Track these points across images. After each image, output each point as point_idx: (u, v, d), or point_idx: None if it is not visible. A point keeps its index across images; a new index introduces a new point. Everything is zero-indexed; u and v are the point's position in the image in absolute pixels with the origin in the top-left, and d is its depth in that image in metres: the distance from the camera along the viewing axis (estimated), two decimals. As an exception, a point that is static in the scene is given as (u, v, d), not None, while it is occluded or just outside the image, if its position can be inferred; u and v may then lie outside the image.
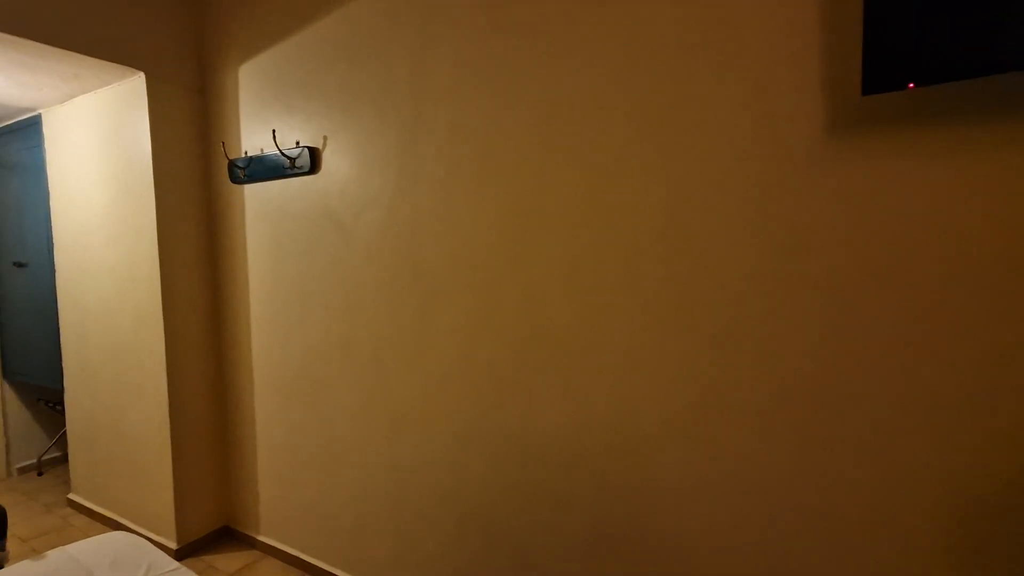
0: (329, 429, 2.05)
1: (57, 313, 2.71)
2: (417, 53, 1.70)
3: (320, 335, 2.04)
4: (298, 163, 2.00)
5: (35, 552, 2.11)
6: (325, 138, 1.95)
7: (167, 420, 2.24)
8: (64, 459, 3.22)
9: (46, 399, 3.25)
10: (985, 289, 0.99)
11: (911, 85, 0.93)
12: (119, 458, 2.49)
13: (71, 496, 2.78)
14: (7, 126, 2.90)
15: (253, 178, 2.17)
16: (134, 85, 2.18)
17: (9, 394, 3.17)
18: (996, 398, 0.99)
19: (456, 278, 1.68)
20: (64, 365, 2.71)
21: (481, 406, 1.66)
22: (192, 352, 2.31)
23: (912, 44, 0.91)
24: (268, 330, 2.22)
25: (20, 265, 2.95)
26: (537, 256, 1.52)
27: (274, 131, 2.07)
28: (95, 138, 2.39)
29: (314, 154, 1.98)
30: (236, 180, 2.23)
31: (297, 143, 2.02)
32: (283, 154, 2.03)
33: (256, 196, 2.19)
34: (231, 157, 2.24)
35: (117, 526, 2.49)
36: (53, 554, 1.45)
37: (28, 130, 2.77)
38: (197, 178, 2.32)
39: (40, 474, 3.21)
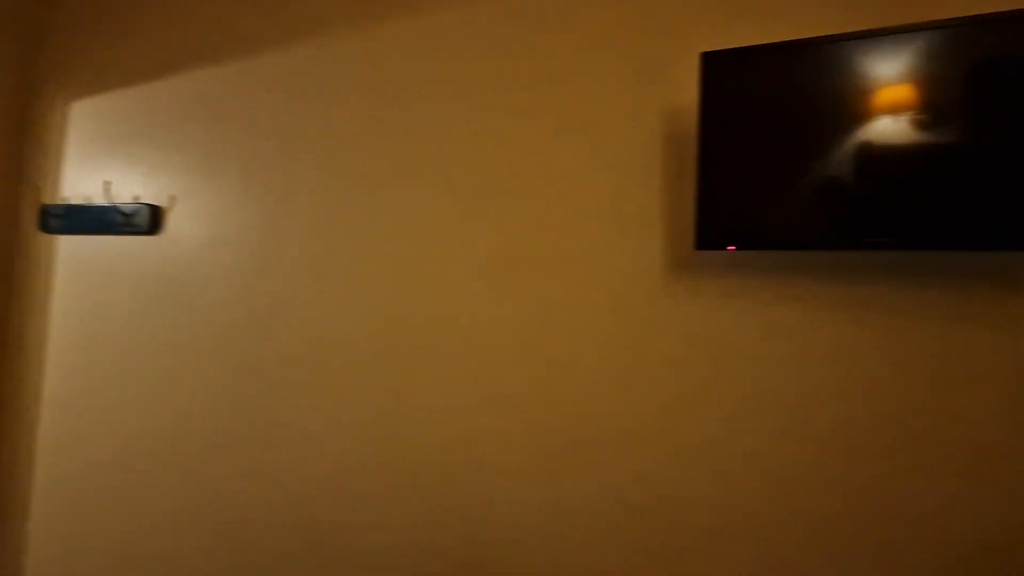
0: (138, 545, 1.71)
1: None
2: (292, 124, 1.63)
3: (140, 427, 1.73)
4: (135, 220, 1.76)
5: None
6: (173, 197, 1.75)
7: None
8: None
9: None
10: (781, 414, 1.17)
11: (730, 248, 1.11)
12: None
13: None
14: None
15: (72, 230, 1.85)
16: (-84, 102, 1.77)
17: None
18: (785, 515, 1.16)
19: (315, 374, 1.56)
20: None
21: (336, 516, 1.52)
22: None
23: (729, 218, 1.10)
24: (65, 419, 1.82)
25: None
26: (406, 354, 1.48)
27: (108, 182, 1.81)
28: None
29: (157, 213, 1.76)
30: (48, 229, 1.88)
31: (137, 198, 1.78)
32: (117, 208, 1.77)
33: (74, 251, 1.86)
34: (45, 202, 1.89)
35: None
36: None
37: None
38: (-8, 220, 1.92)
39: None
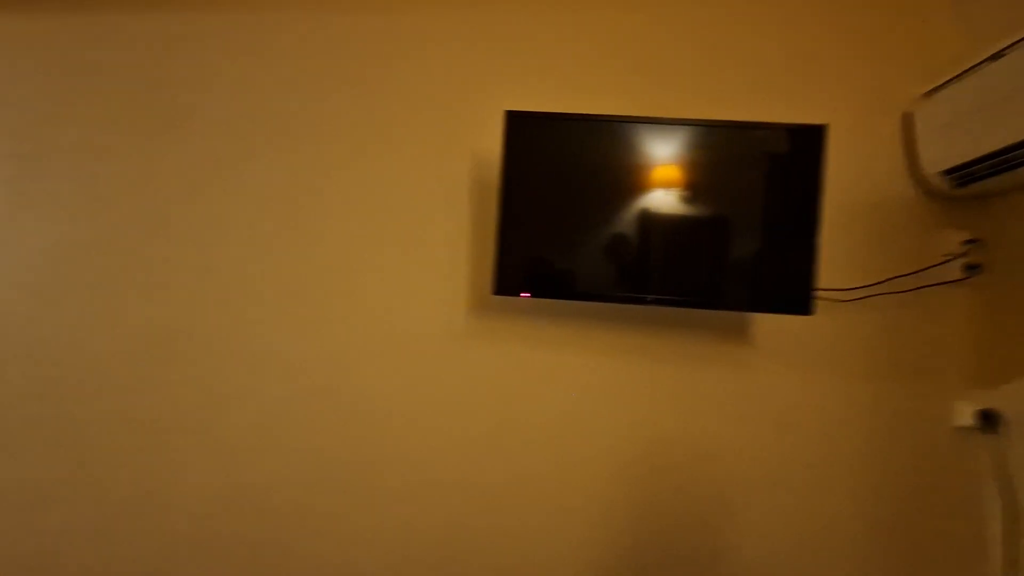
0: None
1: None
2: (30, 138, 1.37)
3: None
4: None
5: None
6: None
7: None
8: None
9: None
10: (563, 447, 1.29)
11: (524, 295, 1.19)
12: None
13: None
14: None
15: None
16: None
17: None
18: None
19: (72, 411, 1.33)
20: None
21: None
22: None
23: (524, 266, 1.18)
24: None
25: None
26: (165, 387, 1.33)
27: None
28: None
29: None
30: None
31: None
32: None
33: None
34: None
35: None
36: None
37: None
38: None
39: None
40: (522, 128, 1.17)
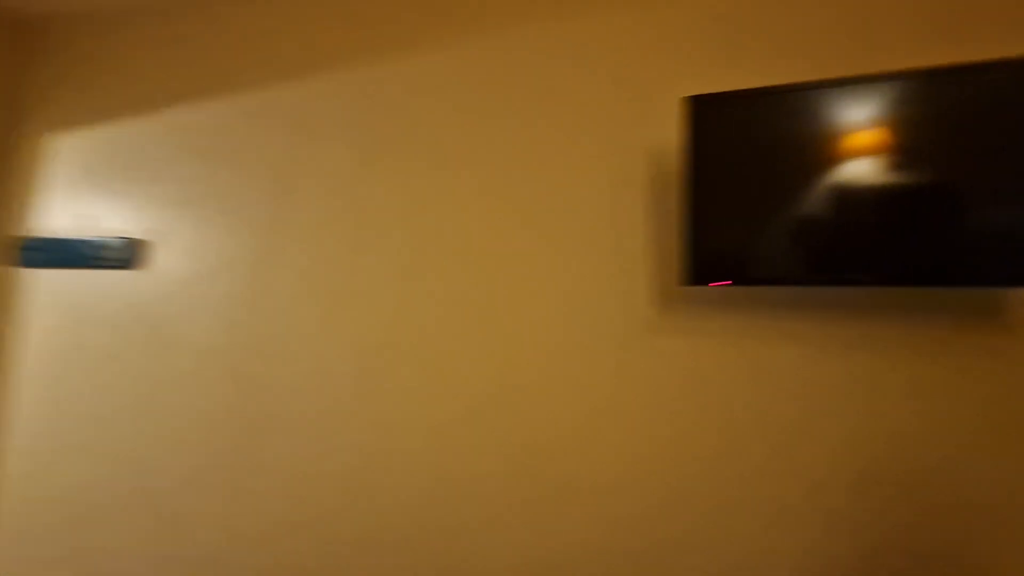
0: (100, 587, 1.62)
1: None
2: (281, 162, 1.63)
3: (105, 467, 1.66)
4: (115, 255, 1.73)
5: None
6: (153, 231, 1.72)
7: None
8: None
9: None
10: (770, 452, 1.16)
11: (715, 284, 1.11)
12: None
13: None
14: None
15: (49, 263, 1.81)
16: None
17: None
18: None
19: (294, 415, 1.52)
20: None
21: (309, 562, 1.45)
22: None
23: (714, 255, 1.11)
24: (29, 458, 1.75)
25: None
26: (391, 397, 1.45)
27: (88, 215, 1.78)
28: None
29: (136, 247, 1.73)
30: (24, 263, 1.83)
31: (116, 232, 1.76)
32: (96, 242, 1.74)
33: (48, 285, 1.82)
34: (21, 234, 1.86)
35: None
36: None
37: None
38: (-35, 254, 1.87)
39: None
40: (702, 112, 1.14)
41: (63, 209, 1.84)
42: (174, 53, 1.80)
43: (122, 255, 1.72)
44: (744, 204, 1.11)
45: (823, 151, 1.07)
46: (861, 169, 1.07)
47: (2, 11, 1.93)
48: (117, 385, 1.69)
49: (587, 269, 1.33)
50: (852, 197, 1.06)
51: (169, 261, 1.70)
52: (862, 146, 1.07)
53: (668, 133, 1.26)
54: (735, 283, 1.12)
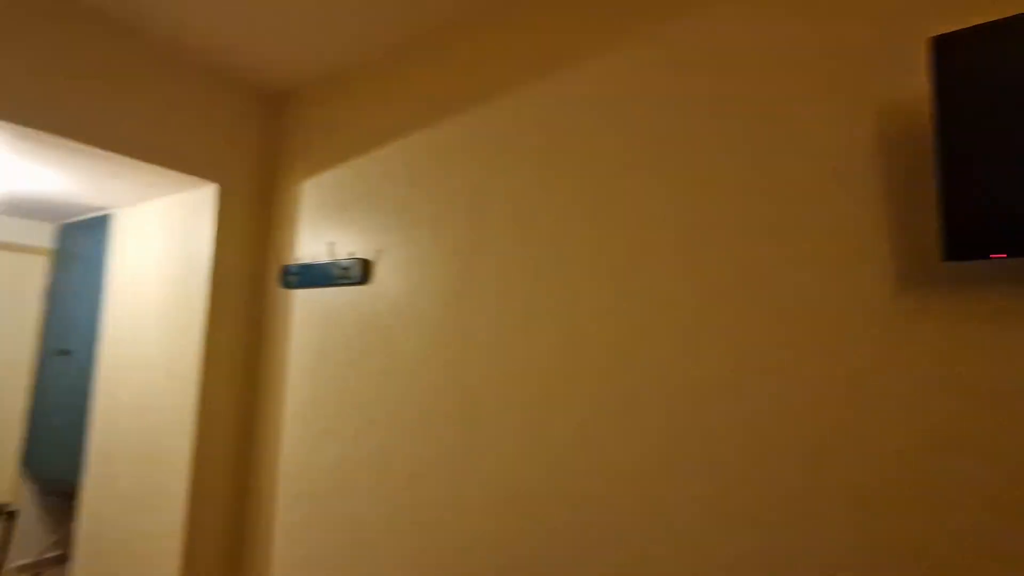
0: (351, 551, 1.91)
1: (88, 404, 2.70)
2: (477, 185, 1.79)
3: (352, 451, 1.97)
4: (350, 273, 2.06)
5: None
6: (379, 251, 2.02)
7: (180, 528, 2.12)
8: (64, 559, 3.05)
9: (57, 494, 3.14)
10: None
11: (995, 256, 0.92)
12: (123, 564, 2.34)
13: (65, 605, 2.59)
14: (79, 221, 3.10)
15: (304, 284, 2.23)
16: (204, 194, 2.33)
17: (22, 486, 3.08)
18: None
19: (503, 409, 1.64)
20: (87, 459, 2.65)
21: (523, 550, 1.54)
22: (218, 453, 2.25)
23: (988, 221, 0.92)
24: (298, 439, 2.16)
25: (64, 352, 3.00)
26: (591, 396, 1.48)
27: (331, 242, 2.16)
28: (159, 239, 2.52)
29: (367, 266, 2.04)
30: (287, 285, 2.29)
31: (351, 254, 2.10)
32: (336, 263, 2.10)
33: (304, 302, 2.24)
34: (285, 263, 2.32)
35: (108, 647, 2.29)
36: None
37: (95, 226, 2.95)
38: (249, 281, 2.40)
39: None
40: (954, 53, 0.96)
41: (311, 239, 2.26)
42: (386, 102, 2.11)
43: (355, 273, 2.05)
44: (1017, 154, 0.90)
45: None
46: None
47: (261, 88, 2.47)
48: (355, 383, 2.01)
49: (815, 251, 1.20)
50: None
51: (388, 276, 1.98)
52: None
53: (910, 82, 1.09)
54: (1011, 255, 0.91)
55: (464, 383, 1.73)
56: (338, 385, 2.06)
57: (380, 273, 2.01)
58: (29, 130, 1.77)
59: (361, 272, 2.04)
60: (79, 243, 3.09)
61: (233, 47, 2.14)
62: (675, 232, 1.39)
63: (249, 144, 2.43)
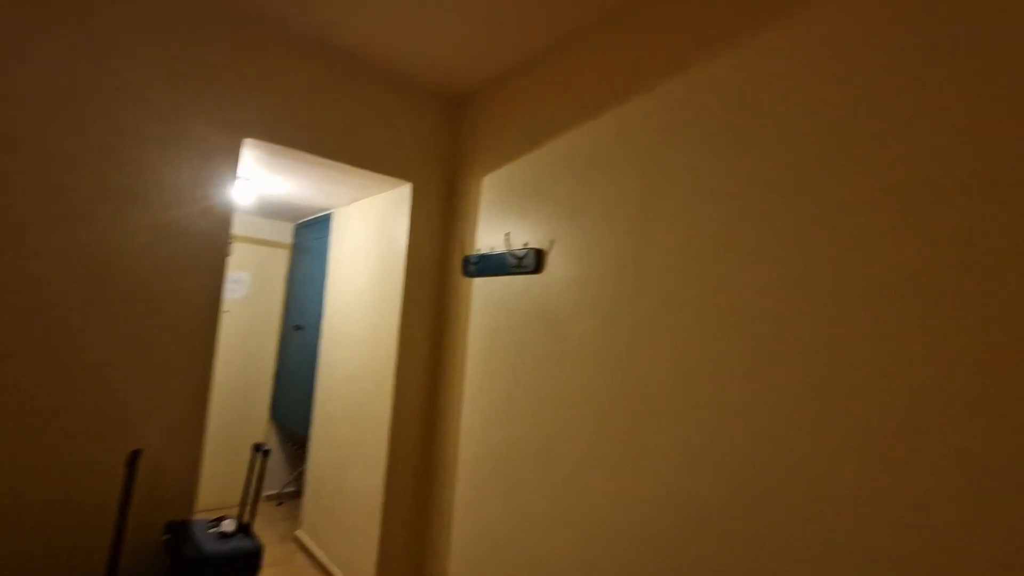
0: (519, 532, 1.99)
1: (315, 371, 3.28)
2: (651, 172, 1.70)
3: (520, 433, 2.05)
4: (524, 262, 2.13)
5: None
6: (552, 241, 2.05)
7: (382, 486, 2.44)
8: (298, 494, 3.76)
9: (294, 441, 3.89)
10: None
11: None
12: (339, 509, 2.79)
13: (297, 533, 3.19)
14: (308, 220, 3.77)
15: (482, 273, 2.38)
16: (401, 193, 2.63)
17: (271, 432, 3.88)
18: None
19: (673, 401, 1.53)
20: (313, 416, 3.22)
21: (691, 550, 1.43)
22: (411, 425, 2.53)
23: None
24: (473, 417, 2.31)
25: (299, 328, 3.69)
26: (784, 405, 1.30)
27: (508, 233, 2.27)
28: (366, 232, 2.93)
29: (539, 255, 2.10)
30: (467, 274, 2.47)
31: (525, 244, 2.17)
32: (511, 253, 2.19)
33: (481, 289, 2.39)
34: (465, 253, 2.51)
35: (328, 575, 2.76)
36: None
37: (320, 223, 3.55)
38: (435, 270, 2.65)
39: (279, 504, 3.78)
40: None
41: (489, 230, 2.40)
42: (554, 94, 2.13)
43: (528, 263, 2.12)
44: None
45: None
46: None
47: (443, 93, 2.69)
48: (524, 368, 2.08)
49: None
50: None
51: (559, 265, 2.00)
52: None
53: None
54: None
55: (631, 376, 1.66)
56: (508, 370, 2.16)
57: (551, 262, 2.04)
58: (277, 147, 2.19)
59: (534, 261, 2.10)
60: (309, 238, 3.75)
61: (418, 60, 2.37)
62: (889, 225, 1.14)
63: (436, 146, 2.67)
